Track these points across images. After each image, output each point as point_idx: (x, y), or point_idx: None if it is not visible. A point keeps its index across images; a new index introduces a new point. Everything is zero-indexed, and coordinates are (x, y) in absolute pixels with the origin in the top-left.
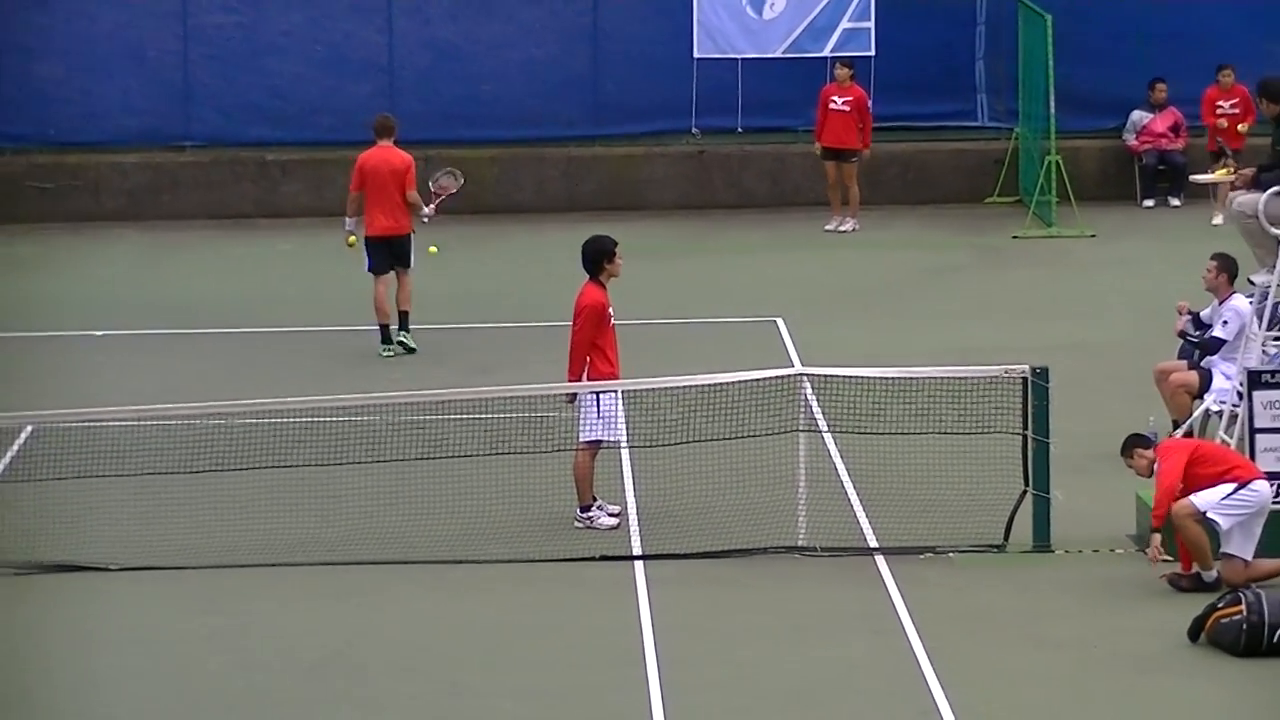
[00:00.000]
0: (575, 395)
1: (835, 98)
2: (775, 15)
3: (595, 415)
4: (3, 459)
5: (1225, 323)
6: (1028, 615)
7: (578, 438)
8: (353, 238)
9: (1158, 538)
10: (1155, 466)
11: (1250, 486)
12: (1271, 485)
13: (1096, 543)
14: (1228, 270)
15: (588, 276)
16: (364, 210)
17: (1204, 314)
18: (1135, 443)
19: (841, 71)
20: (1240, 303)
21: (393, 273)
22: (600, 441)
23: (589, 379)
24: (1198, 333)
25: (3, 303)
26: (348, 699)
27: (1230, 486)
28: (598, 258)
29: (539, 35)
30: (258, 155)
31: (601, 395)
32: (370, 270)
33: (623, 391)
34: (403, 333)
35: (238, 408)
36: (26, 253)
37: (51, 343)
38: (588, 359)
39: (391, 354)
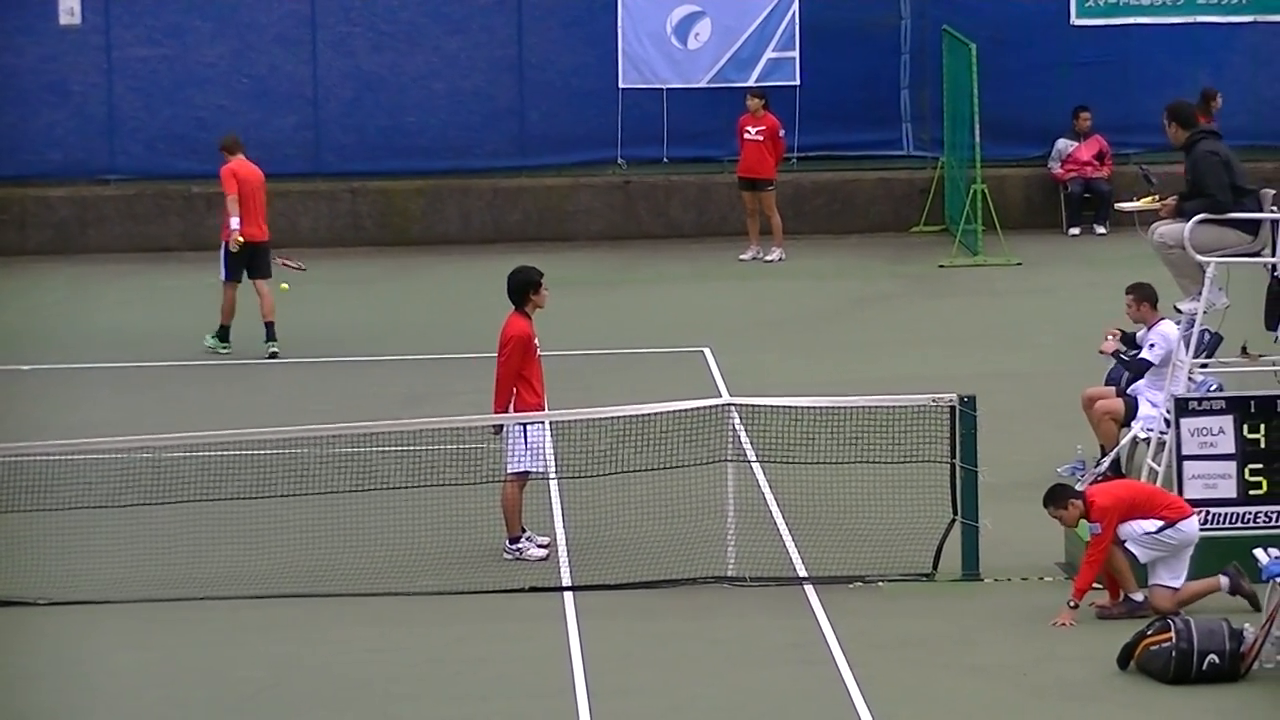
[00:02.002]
0: (502, 426)
1: (749, 128)
2: (700, 45)
3: (523, 446)
4: None
5: (1152, 345)
6: (958, 643)
7: (505, 469)
8: (241, 239)
9: (1073, 613)
10: (1086, 520)
11: (1177, 526)
12: (1198, 513)
13: (1025, 570)
14: (1147, 298)
15: (513, 308)
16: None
17: (1138, 335)
18: (1066, 494)
19: (753, 102)
20: (1168, 328)
21: (248, 282)
22: (528, 473)
23: (515, 410)
24: (1131, 351)
25: None
26: None
27: (1157, 523)
28: (523, 289)
29: (464, 66)
30: (183, 188)
31: (528, 426)
32: (229, 279)
33: (550, 422)
34: (271, 342)
35: (165, 441)
36: None
37: None
38: (514, 390)
39: (227, 350)
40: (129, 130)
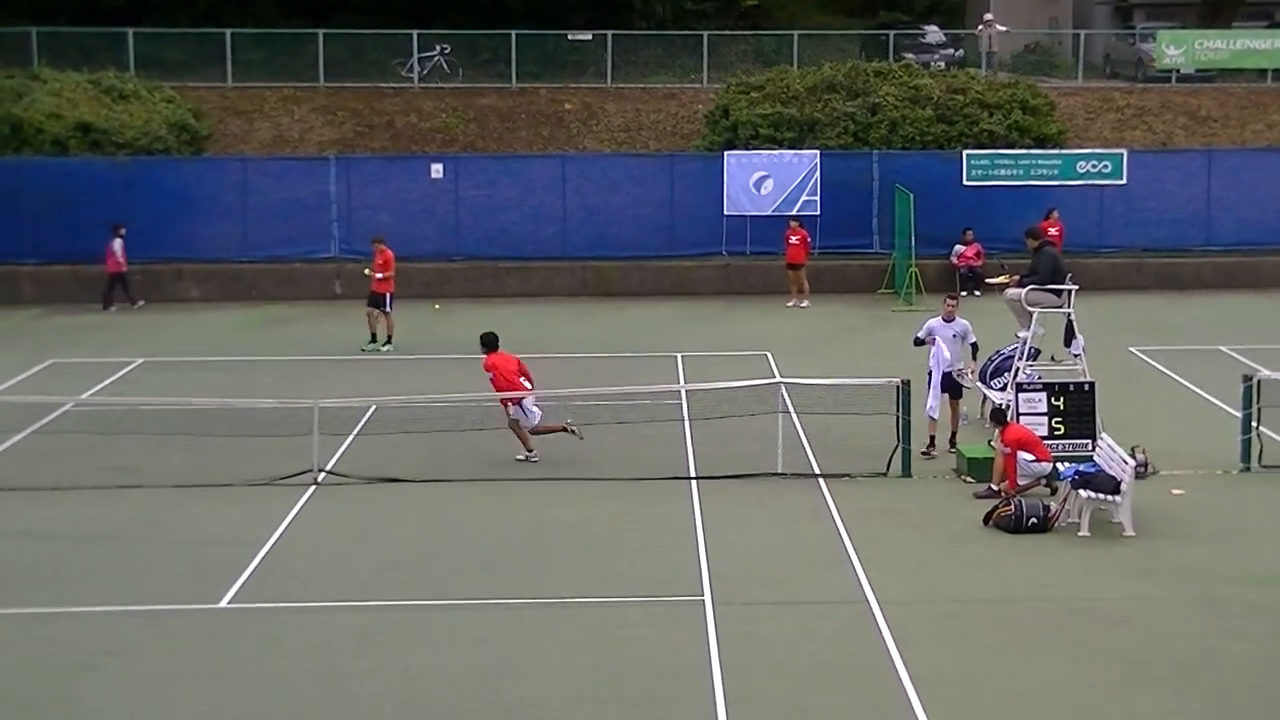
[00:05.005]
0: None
1: (791, 236)
2: (767, 192)
3: (538, 412)
4: (359, 424)
5: (968, 328)
6: (898, 509)
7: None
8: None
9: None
10: (1004, 449)
11: (1040, 461)
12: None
13: (936, 473)
14: (957, 298)
15: (487, 352)
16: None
17: (948, 330)
18: (1003, 418)
19: (793, 223)
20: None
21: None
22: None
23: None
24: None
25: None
26: (525, 554)
27: (1031, 457)
28: (493, 341)
29: (642, 202)
30: (493, 264)
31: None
32: (391, 308)
33: (688, 390)
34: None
35: (459, 398)
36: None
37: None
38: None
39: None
40: (466, 231)
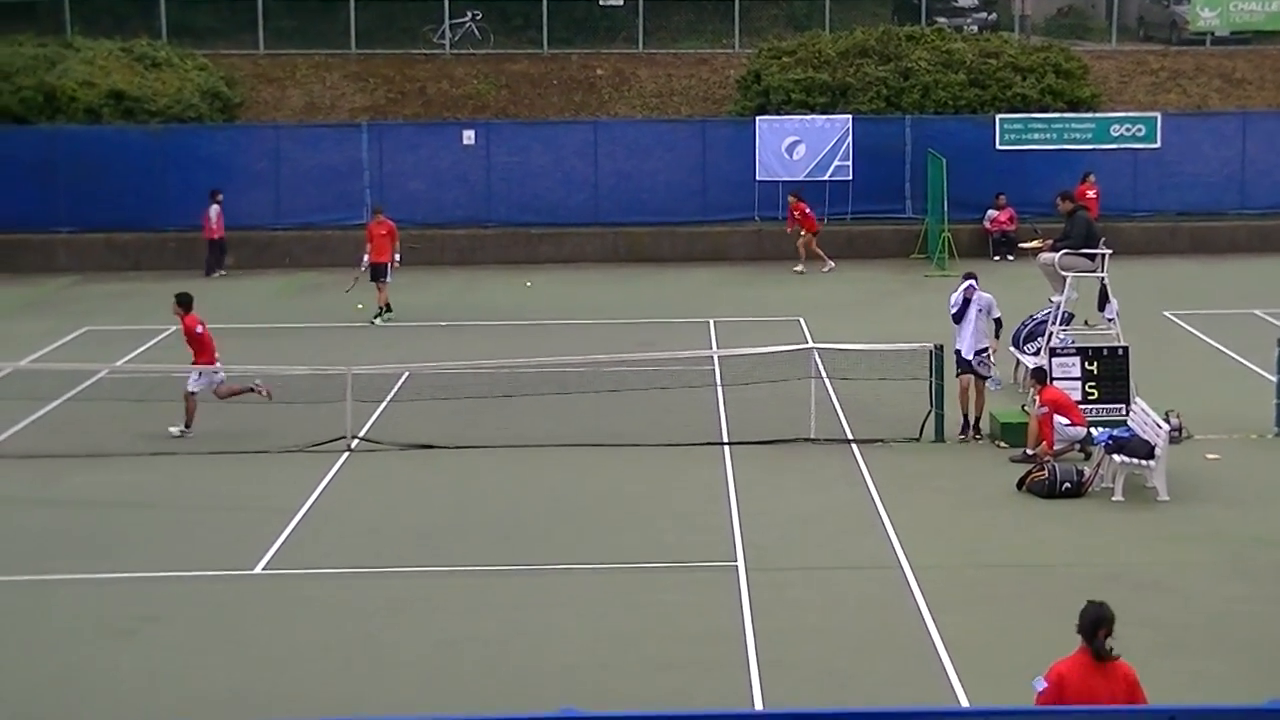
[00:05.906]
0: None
1: (795, 211)
2: (800, 157)
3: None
4: (392, 390)
5: (994, 304)
6: (932, 474)
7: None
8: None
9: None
10: (1039, 410)
11: (1074, 425)
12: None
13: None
14: (972, 275)
15: (184, 313)
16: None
17: (965, 298)
18: (1044, 375)
19: (792, 198)
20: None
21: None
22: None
23: (196, 360)
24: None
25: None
26: (558, 520)
27: (1066, 421)
28: (189, 301)
29: (675, 167)
30: (525, 231)
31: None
32: (383, 281)
33: (720, 356)
34: (380, 316)
35: (492, 364)
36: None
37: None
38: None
39: (391, 317)
40: (498, 198)
